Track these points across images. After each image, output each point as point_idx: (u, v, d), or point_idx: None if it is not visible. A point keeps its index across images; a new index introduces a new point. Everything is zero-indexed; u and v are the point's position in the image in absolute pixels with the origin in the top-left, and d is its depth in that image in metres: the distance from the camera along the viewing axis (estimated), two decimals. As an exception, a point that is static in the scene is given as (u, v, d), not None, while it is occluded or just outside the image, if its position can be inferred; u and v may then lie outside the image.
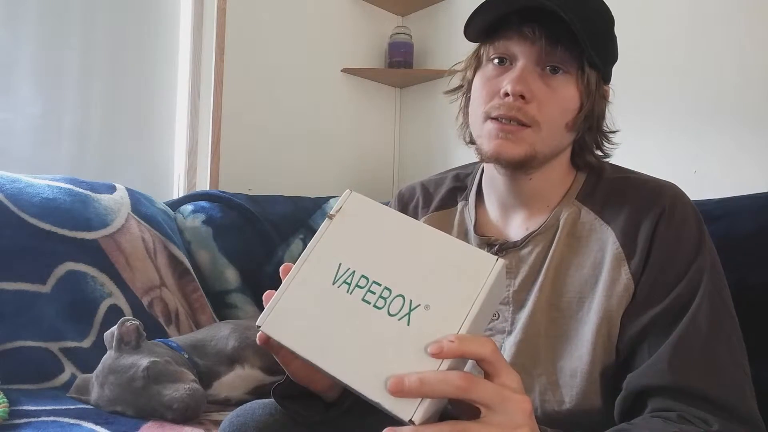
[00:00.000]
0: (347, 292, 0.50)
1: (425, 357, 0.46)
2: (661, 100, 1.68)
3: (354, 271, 0.51)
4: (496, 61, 0.74)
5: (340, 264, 0.52)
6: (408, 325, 0.48)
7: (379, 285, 0.50)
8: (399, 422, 0.46)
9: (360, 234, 0.53)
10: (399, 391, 0.44)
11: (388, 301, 0.49)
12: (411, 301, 0.49)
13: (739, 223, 1.07)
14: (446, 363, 0.46)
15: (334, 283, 0.51)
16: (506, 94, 0.71)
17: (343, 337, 0.49)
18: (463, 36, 0.76)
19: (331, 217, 0.55)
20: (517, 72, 0.71)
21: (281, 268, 0.54)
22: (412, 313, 0.48)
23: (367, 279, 0.50)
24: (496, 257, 0.50)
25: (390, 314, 0.49)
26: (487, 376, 0.48)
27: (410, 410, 0.44)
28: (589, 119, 0.75)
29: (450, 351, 0.45)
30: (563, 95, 0.72)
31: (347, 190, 0.56)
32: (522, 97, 0.70)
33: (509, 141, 0.71)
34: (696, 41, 1.62)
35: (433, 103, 2.35)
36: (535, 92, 0.71)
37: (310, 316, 0.50)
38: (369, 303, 0.49)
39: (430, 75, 2.32)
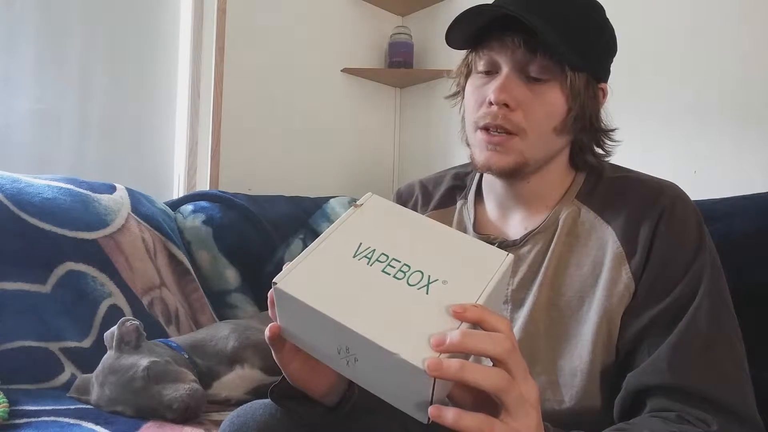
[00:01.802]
0: (367, 264, 0.52)
1: (443, 318, 0.47)
2: (661, 99, 1.68)
3: (374, 249, 0.53)
4: (482, 69, 0.75)
5: (361, 243, 0.54)
6: (427, 294, 0.49)
7: (399, 261, 0.52)
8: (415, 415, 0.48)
9: (380, 224, 0.56)
10: (439, 345, 0.45)
11: (408, 274, 0.51)
12: (429, 276, 0.51)
13: (739, 223, 1.07)
14: (464, 326, 0.47)
15: (354, 257, 0.53)
16: (491, 103, 0.71)
17: (361, 296, 0.50)
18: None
19: (357, 206, 0.57)
20: (500, 80, 0.72)
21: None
22: (430, 285, 0.50)
23: (387, 256, 0.52)
24: (507, 252, 0.52)
25: (409, 284, 0.50)
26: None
27: (425, 357, 0.45)
28: (579, 121, 0.74)
29: (472, 314, 0.47)
30: (548, 100, 0.72)
31: (368, 193, 0.59)
32: (506, 105, 0.71)
33: (498, 153, 0.72)
34: (696, 41, 1.62)
35: (433, 103, 2.35)
36: (520, 99, 0.71)
37: (329, 279, 0.51)
38: (389, 275, 0.51)
39: (430, 75, 2.32)
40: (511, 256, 0.53)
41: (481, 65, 0.75)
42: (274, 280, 0.51)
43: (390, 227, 0.55)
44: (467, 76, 0.78)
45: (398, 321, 0.48)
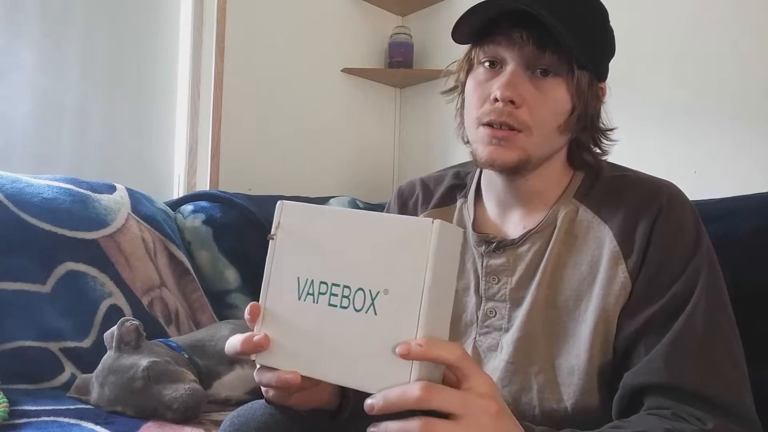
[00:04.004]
0: (314, 302, 0.53)
1: (398, 340, 0.48)
2: (661, 100, 1.68)
3: (312, 281, 0.53)
4: (486, 64, 0.74)
5: (298, 278, 0.54)
6: (375, 314, 0.50)
7: (338, 285, 0.52)
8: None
9: (304, 243, 0.55)
10: (371, 411, 0.48)
11: (351, 298, 0.51)
12: (370, 291, 0.50)
13: (739, 223, 1.07)
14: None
15: (299, 299, 0.53)
16: (496, 100, 0.71)
17: (327, 345, 0.52)
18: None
19: (272, 238, 0.56)
20: (506, 77, 0.71)
21: (249, 308, 0.56)
22: (375, 302, 0.50)
23: (326, 284, 0.53)
24: (432, 219, 0.49)
25: (356, 310, 0.51)
26: (457, 380, 0.49)
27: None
28: (582, 120, 0.74)
29: (416, 354, 0.47)
30: (554, 98, 0.72)
31: (279, 203, 0.57)
32: (512, 102, 0.70)
33: (502, 147, 0.71)
34: (696, 41, 1.62)
35: (433, 103, 2.35)
36: (525, 96, 0.70)
37: (291, 336, 0.53)
38: (336, 306, 0.52)
39: (430, 75, 2.31)
40: (438, 221, 0.49)
41: (484, 59, 0.74)
42: (252, 358, 0.55)
43: (315, 243, 0.54)
44: (468, 71, 0.77)
45: (367, 362, 0.50)
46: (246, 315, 0.56)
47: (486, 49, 0.73)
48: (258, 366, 0.56)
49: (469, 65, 0.77)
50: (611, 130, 0.80)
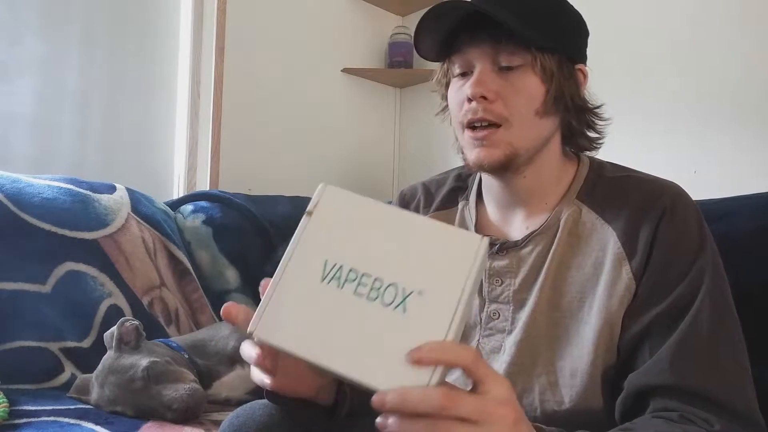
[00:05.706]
0: (338, 287, 0.49)
1: (425, 341, 0.46)
2: (661, 100, 1.68)
3: (341, 266, 0.50)
4: (458, 73, 0.77)
5: (326, 260, 0.50)
6: (404, 312, 0.47)
7: (369, 276, 0.49)
8: None
9: (341, 227, 0.52)
10: (382, 406, 0.44)
11: (381, 291, 0.48)
12: (404, 288, 0.48)
13: (739, 223, 1.07)
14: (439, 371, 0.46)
15: (323, 281, 0.50)
16: (470, 100, 0.73)
17: (341, 332, 0.48)
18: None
19: (309, 213, 0.53)
20: (475, 77, 0.73)
21: (261, 283, 0.53)
22: (407, 300, 0.48)
23: (356, 272, 0.49)
24: (481, 235, 0.49)
25: (385, 304, 0.48)
26: (473, 383, 0.48)
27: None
28: (560, 101, 0.75)
29: (429, 361, 0.45)
30: (524, 85, 0.73)
31: (321, 184, 0.54)
32: (484, 98, 0.72)
33: (485, 147, 0.73)
34: (697, 41, 1.62)
35: (433, 103, 2.33)
36: (497, 90, 0.73)
37: (303, 316, 0.49)
38: (362, 296, 0.48)
39: (430, 75, 2.30)
40: (486, 239, 0.49)
41: (457, 69, 0.77)
42: (248, 330, 0.50)
43: (351, 230, 0.51)
44: (447, 85, 0.80)
45: (382, 356, 0.46)
46: (260, 287, 0.53)
47: (454, 60, 0.76)
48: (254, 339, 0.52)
49: (446, 80, 0.80)
50: (599, 107, 0.80)
